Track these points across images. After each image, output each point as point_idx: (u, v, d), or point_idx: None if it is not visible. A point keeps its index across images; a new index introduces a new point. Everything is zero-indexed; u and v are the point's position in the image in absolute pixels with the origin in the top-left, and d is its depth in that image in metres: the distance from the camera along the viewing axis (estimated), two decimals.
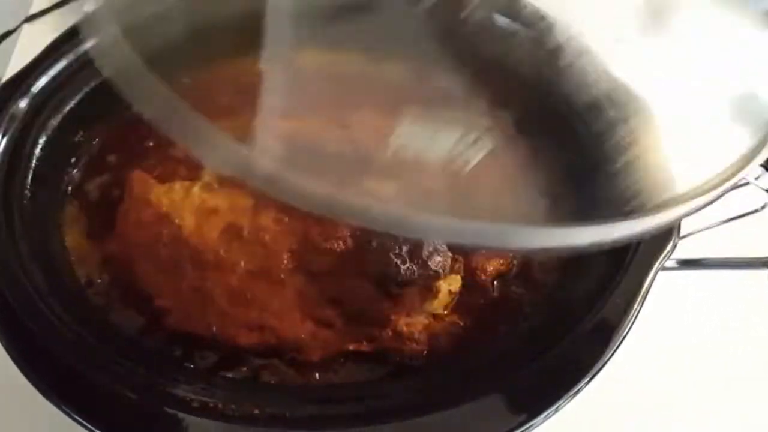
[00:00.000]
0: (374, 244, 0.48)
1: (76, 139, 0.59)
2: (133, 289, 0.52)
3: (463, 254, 0.53)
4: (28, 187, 0.54)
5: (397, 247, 0.48)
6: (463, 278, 0.53)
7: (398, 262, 0.47)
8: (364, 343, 0.50)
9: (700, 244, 0.54)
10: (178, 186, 0.56)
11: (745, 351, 0.65)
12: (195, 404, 0.43)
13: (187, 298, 0.50)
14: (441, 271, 0.48)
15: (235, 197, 0.55)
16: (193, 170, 0.57)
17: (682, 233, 0.52)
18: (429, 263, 0.48)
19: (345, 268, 0.51)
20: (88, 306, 0.52)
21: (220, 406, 0.42)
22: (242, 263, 0.52)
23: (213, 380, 0.45)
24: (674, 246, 0.51)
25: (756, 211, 0.56)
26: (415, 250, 0.48)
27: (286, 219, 0.53)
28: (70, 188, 0.58)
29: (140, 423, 0.42)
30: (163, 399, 0.43)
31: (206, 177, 0.56)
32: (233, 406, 0.43)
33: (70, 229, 0.56)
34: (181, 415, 0.42)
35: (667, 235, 0.51)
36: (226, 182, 0.56)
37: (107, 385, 0.43)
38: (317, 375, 0.49)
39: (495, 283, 0.54)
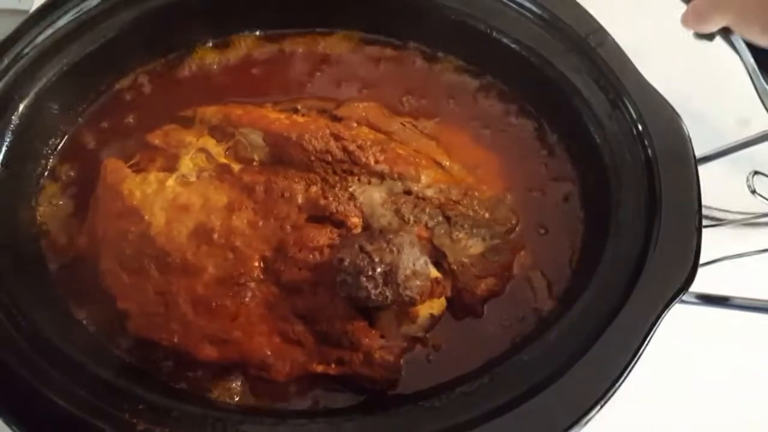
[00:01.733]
0: (346, 263, 0.43)
1: (52, 119, 0.55)
2: (98, 287, 0.49)
3: (449, 273, 0.48)
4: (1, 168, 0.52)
5: (370, 269, 0.43)
6: (449, 300, 0.48)
7: (369, 286, 0.43)
8: (333, 365, 0.45)
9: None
10: (152, 177, 0.52)
11: None
12: (140, 428, 0.40)
13: (150, 303, 0.47)
14: (417, 297, 0.43)
15: (211, 193, 0.51)
16: (171, 159, 0.53)
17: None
18: (404, 288, 0.43)
19: (318, 283, 0.46)
20: (56, 305, 0.49)
21: None
22: (210, 269, 0.48)
23: (162, 401, 0.42)
24: (693, 275, 0.45)
25: None
26: (390, 273, 0.43)
27: (261, 222, 0.49)
28: (46, 173, 0.55)
29: None
30: (109, 420, 0.40)
31: (183, 168, 0.53)
32: None
33: (42, 218, 0.53)
34: None
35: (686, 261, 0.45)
36: (204, 174, 0.52)
37: (54, 401, 0.40)
38: (282, 396, 0.45)
39: (485, 305, 0.48)
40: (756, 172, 0.46)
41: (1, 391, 0.41)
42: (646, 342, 0.42)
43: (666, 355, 0.51)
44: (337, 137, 0.51)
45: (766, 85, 0.64)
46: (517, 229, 0.52)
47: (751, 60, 0.65)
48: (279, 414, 0.44)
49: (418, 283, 0.44)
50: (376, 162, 0.51)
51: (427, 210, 0.50)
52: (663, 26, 0.61)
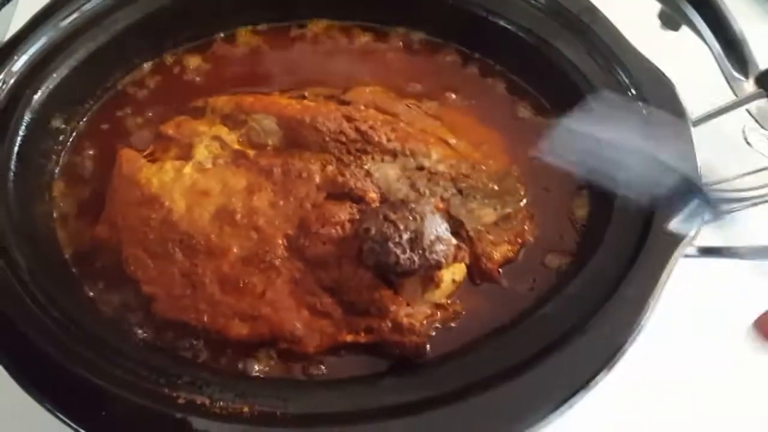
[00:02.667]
0: (373, 231, 0.45)
1: (62, 116, 0.56)
2: (121, 274, 0.50)
3: (468, 240, 0.50)
4: (13, 168, 0.52)
5: (397, 236, 0.44)
6: (468, 266, 0.50)
7: (397, 251, 0.44)
8: (362, 334, 0.47)
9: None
10: (168, 166, 0.53)
11: None
12: (181, 401, 0.40)
13: (176, 285, 0.48)
14: (443, 260, 0.45)
15: (229, 178, 0.52)
16: (185, 149, 0.54)
17: None
18: (430, 252, 0.45)
19: (342, 256, 0.48)
20: (74, 292, 0.49)
21: (207, 403, 0.40)
22: (235, 249, 0.49)
23: (200, 375, 0.43)
24: (698, 231, 0.48)
25: None
26: (416, 239, 0.45)
27: (281, 202, 0.51)
28: (57, 168, 0.56)
29: (122, 420, 0.40)
30: (147, 395, 0.40)
31: (198, 156, 0.54)
32: (221, 404, 0.40)
33: (57, 209, 0.54)
34: (166, 412, 0.40)
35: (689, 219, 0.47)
36: (220, 161, 0.53)
37: (89, 380, 0.41)
38: (312, 367, 0.47)
39: (501, 270, 0.50)
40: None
41: (43, 383, 0.41)
42: (659, 290, 0.45)
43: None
44: (349, 118, 0.53)
45: (732, 71, 0.68)
46: (525, 198, 0.54)
47: (718, 46, 0.69)
48: (313, 384, 0.45)
49: (443, 247, 0.45)
50: (388, 140, 0.53)
51: (441, 183, 0.52)
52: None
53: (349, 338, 0.47)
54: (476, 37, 0.61)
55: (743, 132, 0.48)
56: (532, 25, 0.57)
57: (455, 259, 0.47)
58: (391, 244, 0.44)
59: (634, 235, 0.47)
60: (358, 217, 0.49)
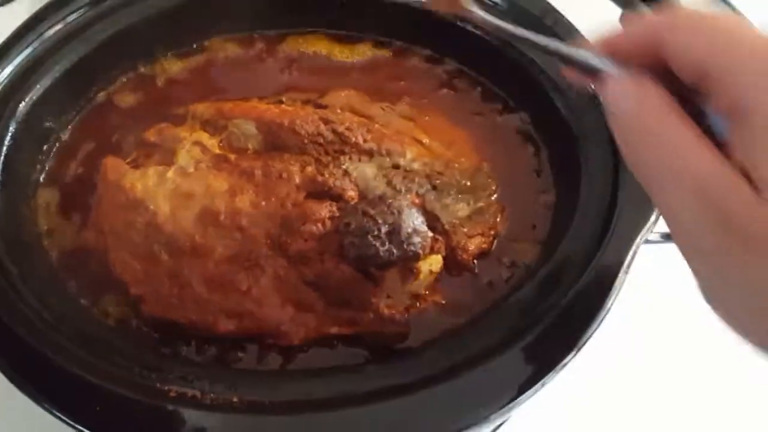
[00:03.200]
0: (353, 226, 0.47)
1: (47, 125, 0.57)
2: (108, 277, 0.51)
3: (443, 233, 0.52)
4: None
5: (376, 229, 0.47)
6: (444, 258, 0.52)
7: (377, 244, 0.46)
8: (346, 326, 0.49)
9: None
10: (152, 171, 0.55)
11: None
12: (172, 394, 0.42)
13: (163, 286, 0.49)
14: (421, 251, 0.47)
15: (211, 181, 0.54)
16: (167, 155, 0.56)
17: None
18: (408, 244, 0.47)
19: (324, 251, 0.50)
20: (63, 295, 0.50)
21: (198, 395, 0.42)
22: (219, 249, 0.51)
23: (190, 369, 0.44)
24: (657, 217, 0.51)
25: None
26: (395, 232, 0.47)
27: (263, 202, 0.52)
28: (42, 176, 0.57)
29: (117, 415, 0.41)
30: (139, 390, 0.42)
31: (181, 161, 0.55)
32: (212, 395, 0.42)
33: (44, 217, 0.55)
34: (158, 405, 0.41)
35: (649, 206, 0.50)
36: (202, 165, 0.55)
37: (81, 376, 0.42)
38: (298, 360, 0.48)
39: (476, 261, 0.53)
40: None
41: (39, 382, 0.42)
42: (624, 274, 0.47)
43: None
44: (326, 121, 0.55)
45: None
46: (496, 193, 0.56)
47: None
48: (300, 373, 0.47)
49: (419, 239, 0.48)
50: (365, 141, 0.55)
51: (416, 180, 0.54)
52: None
53: (333, 330, 0.49)
54: (444, 42, 0.64)
55: None
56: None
57: (432, 251, 0.49)
58: (370, 238, 0.46)
59: (598, 221, 0.50)
60: (338, 214, 0.51)
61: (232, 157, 0.55)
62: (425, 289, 0.51)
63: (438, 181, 0.55)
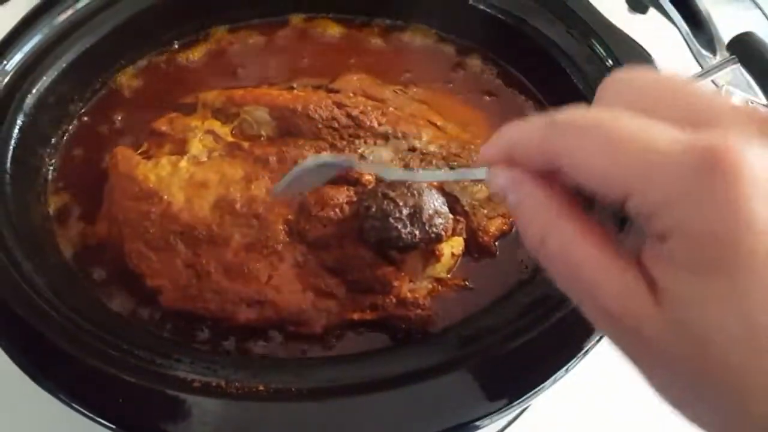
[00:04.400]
0: (373, 209, 0.46)
1: (55, 116, 0.56)
2: (123, 269, 0.50)
3: (464, 215, 0.51)
4: (8, 170, 0.52)
5: (397, 211, 0.46)
6: (465, 240, 0.51)
7: (399, 226, 0.46)
8: (368, 311, 0.48)
9: None
10: (164, 161, 0.54)
11: None
12: (196, 384, 0.41)
13: (181, 276, 0.49)
14: (443, 233, 0.47)
15: (225, 169, 0.53)
16: (179, 144, 0.55)
17: None
18: (430, 226, 0.46)
19: (343, 236, 0.49)
20: (78, 288, 0.50)
21: (223, 384, 0.41)
22: (237, 237, 0.50)
23: (213, 359, 0.44)
24: None
25: None
26: (416, 213, 0.46)
27: None
28: (52, 168, 0.56)
29: (141, 407, 0.40)
30: (163, 381, 0.41)
31: (193, 150, 0.54)
32: (237, 384, 0.41)
33: (54, 210, 0.54)
34: (183, 396, 0.40)
35: None
36: (215, 153, 0.54)
37: (103, 369, 0.41)
38: (321, 347, 0.48)
39: (497, 243, 0.52)
40: None
41: (62, 377, 0.41)
42: None
43: None
44: (339, 105, 0.55)
45: (700, 48, 0.71)
46: None
47: (685, 26, 0.72)
48: (324, 359, 0.46)
49: (441, 220, 0.47)
50: (380, 124, 0.54)
51: (434, 162, 0.53)
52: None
53: (356, 316, 0.48)
54: (455, 21, 0.63)
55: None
56: (509, 6, 0.59)
57: (454, 233, 0.48)
58: (392, 220, 0.46)
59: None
60: (355, 198, 0.50)
61: (246, 144, 0.54)
62: (447, 272, 0.50)
63: (455, 163, 0.54)
